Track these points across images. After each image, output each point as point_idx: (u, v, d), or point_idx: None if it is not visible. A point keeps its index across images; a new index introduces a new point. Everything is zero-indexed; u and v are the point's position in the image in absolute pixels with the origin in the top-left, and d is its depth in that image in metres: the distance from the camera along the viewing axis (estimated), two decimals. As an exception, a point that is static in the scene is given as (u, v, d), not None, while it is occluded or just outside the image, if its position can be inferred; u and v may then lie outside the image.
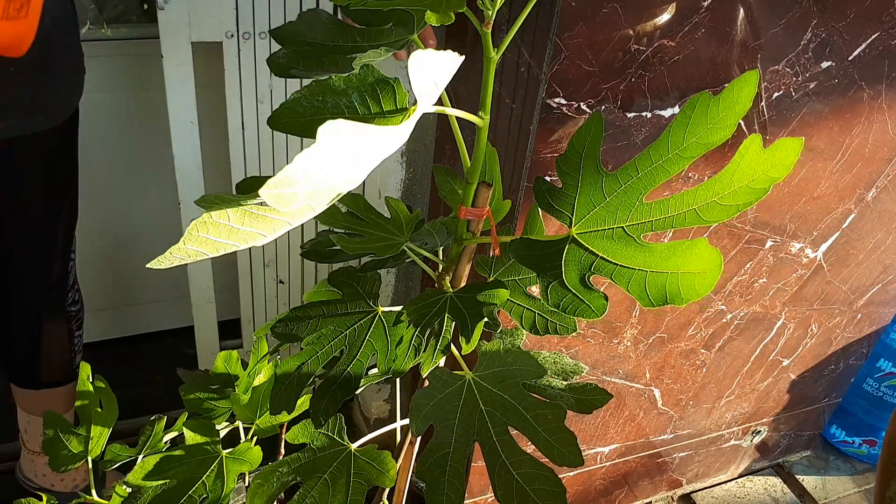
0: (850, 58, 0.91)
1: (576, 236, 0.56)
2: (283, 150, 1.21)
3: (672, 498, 1.46)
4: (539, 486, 0.59)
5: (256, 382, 0.85)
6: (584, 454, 1.23)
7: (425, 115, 0.72)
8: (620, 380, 1.15)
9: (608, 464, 1.30)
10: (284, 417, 0.82)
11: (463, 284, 0.66)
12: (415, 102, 0.43)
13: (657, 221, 0.53)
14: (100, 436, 0.88)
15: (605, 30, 0.76)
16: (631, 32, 0.77)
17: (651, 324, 1.09)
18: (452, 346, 0.64)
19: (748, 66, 0.86)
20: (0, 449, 1.41)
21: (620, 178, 0.55)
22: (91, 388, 0.90)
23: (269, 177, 0.36)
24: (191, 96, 1.11)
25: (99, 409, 0.89)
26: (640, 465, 1.34)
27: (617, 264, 0.54)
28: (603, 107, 0.82)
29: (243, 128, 1.16)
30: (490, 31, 0.53)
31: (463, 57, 0.45)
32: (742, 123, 0.91)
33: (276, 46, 1.06)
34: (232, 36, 1.07)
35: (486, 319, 0.58)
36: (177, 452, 0.72)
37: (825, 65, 0.90)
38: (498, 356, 0.64)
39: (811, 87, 0.92)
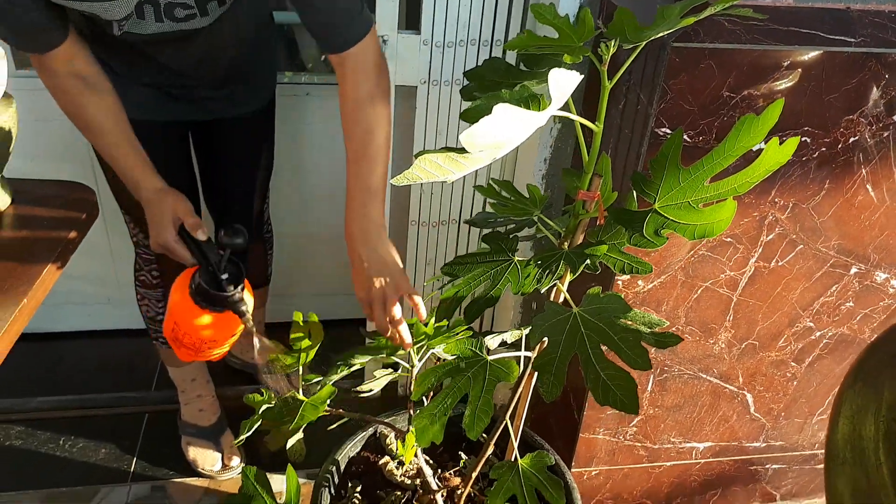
0: (920, 113, 1.10)
1: (657, 209, 0.82)
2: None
3: (767, 515, 1.58)
4: (617, 381, 0.84)
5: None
6: (679, 446, 1.43)
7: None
8: (715, 378, 1.34)
9: (702, 461, 1.47)
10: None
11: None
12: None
13: (710, 196, 0.78)
14: (307, 355, 1.22)
15: (703, 79, 1.02)
16: (723, 83, 1.03)
17: (744, 329, 1.29)
18: (566, 292, 0.91)
19: (825, 114, 1.08)
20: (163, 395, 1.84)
21: (692, 171, 0.81)
22: (302, 324, 1.25)
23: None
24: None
25: (308, 340, 1.23)
26: (734, 469, 1.49)
27: (680, 223, 0.79)
28: (700, 137, 1.07)
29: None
30: (606, 69, 0.82)
31: (582, 76, 0.74)
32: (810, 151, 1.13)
33: (455, 93, 1.41)
34: (424, 82, 1.43)
35: (588, 263, 0.85)
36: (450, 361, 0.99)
37: (897, 117, 1.10)
38: (597, 297, 0.90)
39: (885, 135, 1.11)
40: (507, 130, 0.71)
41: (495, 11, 1.33)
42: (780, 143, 0.77)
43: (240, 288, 1.02)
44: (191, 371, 1.64)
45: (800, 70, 1.04)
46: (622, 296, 0.90)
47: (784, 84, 1.04)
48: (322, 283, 2.02)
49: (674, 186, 0.81)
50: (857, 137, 1.11)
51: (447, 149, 0.73)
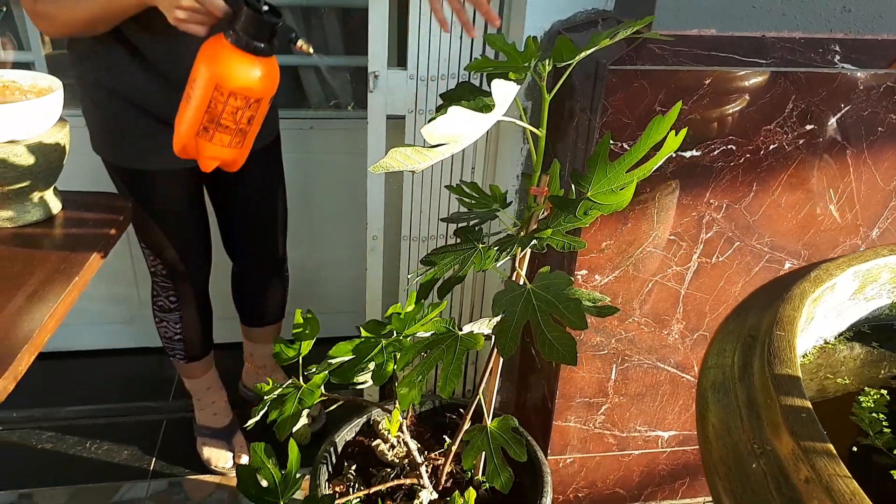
0: (828, 123, 1.28)
1: (588, 196, 1.00)
2: (438, 189, 1.73)
3: None
4: (561, 341, 1.00)
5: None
6: (645, 435, 1.58)
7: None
8: (672, 368, 1.50)
9: (669, 450, 1.60)
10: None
11: (531, 235, 1.11)
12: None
13: (626, 182, 0.96)
14: (307, 346, 1.39)
15: (637, 97, 1.21)
16: (654, 99, 1.22)
17: (694, 321, 1.45)
18: (520, 270, 1.09)
19: (745, 125, 1.26)
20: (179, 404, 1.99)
21: (616, 165, 0.99)
22: (301, 320, 1.42)
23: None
24: (382, 152, 1.67)
25: (306, 331, 1.40)
26: (699, 458, 1.62)
27: (604, 204, 0.97)
28: (639, 147, 1.25)
29: (412, 174, 1.70)
30: (545, 84, 1.01)
31: (519, 86, 0.93)
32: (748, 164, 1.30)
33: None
34: (411, 111, 1.63)
35: (535, 244, 1.03)
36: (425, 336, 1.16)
37: (808, 127, 1.28)
38: (547, 275, 1.07)
39: (801, 142, 1.30)
40: (461, 127, 0.89)
41: (472, 49, 1.54)
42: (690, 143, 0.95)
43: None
44: (205, 381, 1.80)
45: (721, 86, 1.23)
46: (567, 274, 1.07)
47: (707, 99, 1.23)
48: (326, 304, 2.19)
49: (602, 178, 0.99)
50: (776, 145, 1.29)
51: (414, 146, 0.91)
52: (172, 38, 1.24)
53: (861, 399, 0.83)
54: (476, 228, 1.14)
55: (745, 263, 1.40)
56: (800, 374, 0.68)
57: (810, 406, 0.64)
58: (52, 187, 1.16)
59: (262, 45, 1.02)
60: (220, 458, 1.76)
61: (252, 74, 1.02)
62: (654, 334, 1.45)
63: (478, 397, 1.22)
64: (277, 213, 1.70)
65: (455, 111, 0.88)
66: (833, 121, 1.28)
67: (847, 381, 0.86)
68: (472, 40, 1.52)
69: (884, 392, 0.84)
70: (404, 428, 1.33)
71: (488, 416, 1.23)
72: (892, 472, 0.71)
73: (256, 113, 1.07)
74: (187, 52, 1.13)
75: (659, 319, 1.44)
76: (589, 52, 1.00)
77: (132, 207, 1.48)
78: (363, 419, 1.48)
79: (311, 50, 1.08)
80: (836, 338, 0.92)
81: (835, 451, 0.59)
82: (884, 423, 0.78)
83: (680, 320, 1.44)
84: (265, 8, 1.01)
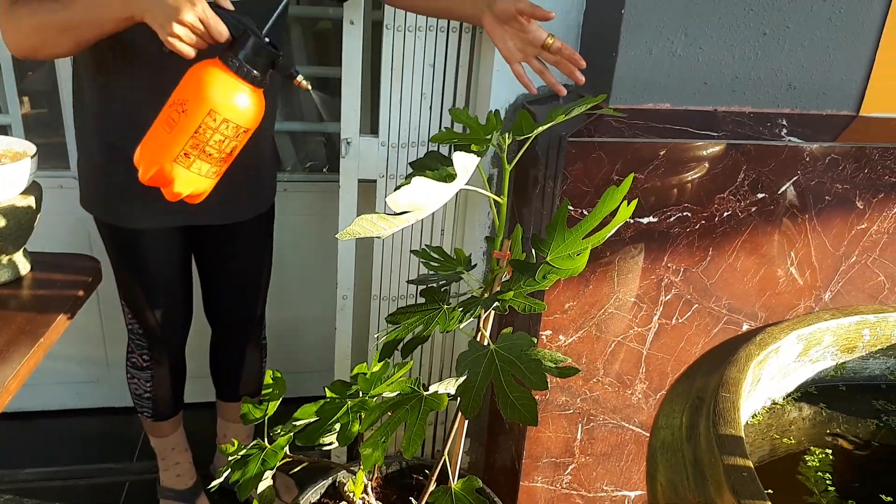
0: (778, 192, 1.35)
1: (549, 261, 1.04)
2: (409, 250, 1.77)
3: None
4: (522, 401, 1.02)
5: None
6: (612, 495, 1.59)
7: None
8: (637, 427, 1.52)
9: (636, 510, 1.61)
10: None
11: (494, 298, 1.14)
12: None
13: (582, 248, 1.01)
14: (273, 406, 1.39)
15: (595, 167, 1.27)
16: (612, 169, 1.28)
17: (656, 381, 1.48)
18: (485, 330, 1.12)
19: (700, 193, 1.33)
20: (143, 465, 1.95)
21: (573, 231, 1.04)
22: (271, 380, 1.43)
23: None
24: (353, 214, 1.71)
25: (275, 392, 1.41)
26: (665, 517, 1.63)
27: (561, 268, 1.01)
28: (599, 213, 1.31)
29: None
30: (506, 155, 1.07)
31: (480, 158, 0.97)
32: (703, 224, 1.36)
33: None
34: (382, 176, 1.68)
35: (497, 305, 1.06)
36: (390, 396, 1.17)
37: (760, 195, 1.35)
38: (510, 336, 1.10)
39: (753, 210, 1.36)
40: (423, 196, 0.94)
41: (441, 117, 1.61)
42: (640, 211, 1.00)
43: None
44: (171, 441, 1.78)
45: (676, 157, 1.30)
46: (529, 335, 1.11)
47: (662, 169, 1.29)
48: (297, 363, 2.19)
49: (560, 243, 1.04)
50: (730, 212, 1.35)
51: (379, 214, 0.95)
52: (159, 91, 1.13)
53: (807, 458, 0.86)
54: (442, 290, 1.18)
55: (705, 325, 1.44)
56: (742, 434, 0.71)
57: (751, 465, 0.67)
58: (22, 248, 1.18)
59: (261, 76, 1.02)
60: (183, 521, 1.73)
61: (248, 104, 1.01)
62: (618, 394, 1.48)
63: (443, 458, 1.23)
64: (263, 283, 1.69)
65: (418, 181, 0.93)
66: (783, 190, 1.35)
67: (793, 442, 0.89)
68: (442, 109, 1.59)
69: (829, 452, 0.87)
70: (369, 490, 1.33)
71: (453, 478, 1.24)
72: (834, 529, 0.74)
73: (239, 144, 1.05)
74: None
75: (622, 379, 1.47)
76: (546, 126, 1.06)
77: (119, 267, 1.49)
78: (328, 481, 1.47)
79: (310, 86, 1.08)
80: (784, 398, 0.96)
81: (773, 509, 0.62)
82: (828, 482, 0.81)
83: (643, 380, 1.47)
84: (266, 39, 1.01)
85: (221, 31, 1.00)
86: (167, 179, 1.03)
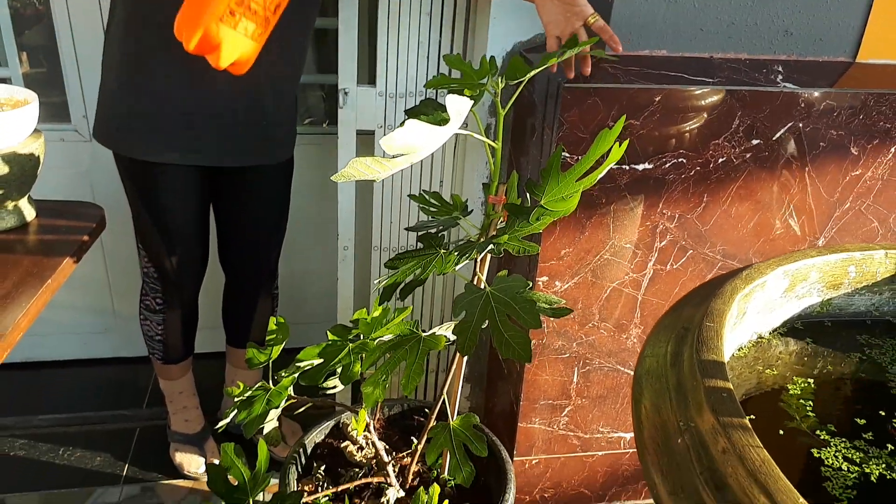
0: (773, 138, 1.36)
1: (542, 204, 1.06)
2: (407, 200, 1.79)
3: None
4: (516, 340, 1.06)
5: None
6: (608, 436, 1.64)
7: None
8: (632, 371, 1.56)
9: (631, 450, 1.66)
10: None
11: (490, 241, 1.17)
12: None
13: (574, 190, 1.03)
14: (276, 350, 1.43)
15: (591, 113, 1.29)
16: (607, 115, 1.29)
17: (651, 326, 1.51)
18: (481, 275, 1.15)
19: (695, 139, 1.34)
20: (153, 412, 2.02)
21: (567, 175, 1.06)
22: (274, 325, 1.47)
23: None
24: (352, 165, 1.73)
25: (278, 337, 1.45)
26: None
27: (554, 211, 1.03)
28: (595, 160, 1.33)
29: (382, 185, 1.76)
30: (499, 99, 1.08)
31: (473, 101, 0.99)
32: (700, 174, 1.38)
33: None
34: (380, 126, 1.69)
35: (492, 248, 1.09)
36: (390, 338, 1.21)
37: (755, 142, 1.36)
38: (504, 278, 1.13)
39: (748, 156, 1.37)
40: (418, 139, 0.96)
41: (437, 67, 1.61)
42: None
43: None
44: (180, 384, 1.83)
45: (671, 103, 1.31)
46: (523, 277, 1.13)
47: (657, 116, 1.31)
48: (300, 314, 2.23)
49: (554, 187, 1.06)
50: (724, 158, 1.37)
51: (374, 157, 0.97)
52: None
53: (789, 387, 0.89)
54: (439, 235, 1.20)
55: (699, 271, 1.47)
56: (724, 359, 0.74)
57: (731, 387, 0.70)
58: (27, 196, 1.21)
59: None
60: (191, 462, 1.78)
61: None
62: (614, 338, 1.51)
63: (442, 397, 1.27)
64: (279, 231, 1.73)
65: (412, 124, 0.94)
66: (778, 136, 1.36)
67: (777, 374, 0.92)
68: (438, 58, 1.59)
69: (811, 381, 0.90)
70: (371, 428, 1.38)
71: (452, 416, 1.28)
72: (811, 450, 0.78)
73: (282, 3, 1.00)
74: None
75: (618, 324, 1.50)
76: (538, 69, 1.07)
77: (136, 206, 1.50)
78: (332, 422, 1.52)
79: None
80: (770, 333, 0.99)
81: (749, 426, 0.65)
82: (808, 409, 0.85)
83: (638, 325, 1.51)
84: None
85: None
86: (214, 43, 0.97)
